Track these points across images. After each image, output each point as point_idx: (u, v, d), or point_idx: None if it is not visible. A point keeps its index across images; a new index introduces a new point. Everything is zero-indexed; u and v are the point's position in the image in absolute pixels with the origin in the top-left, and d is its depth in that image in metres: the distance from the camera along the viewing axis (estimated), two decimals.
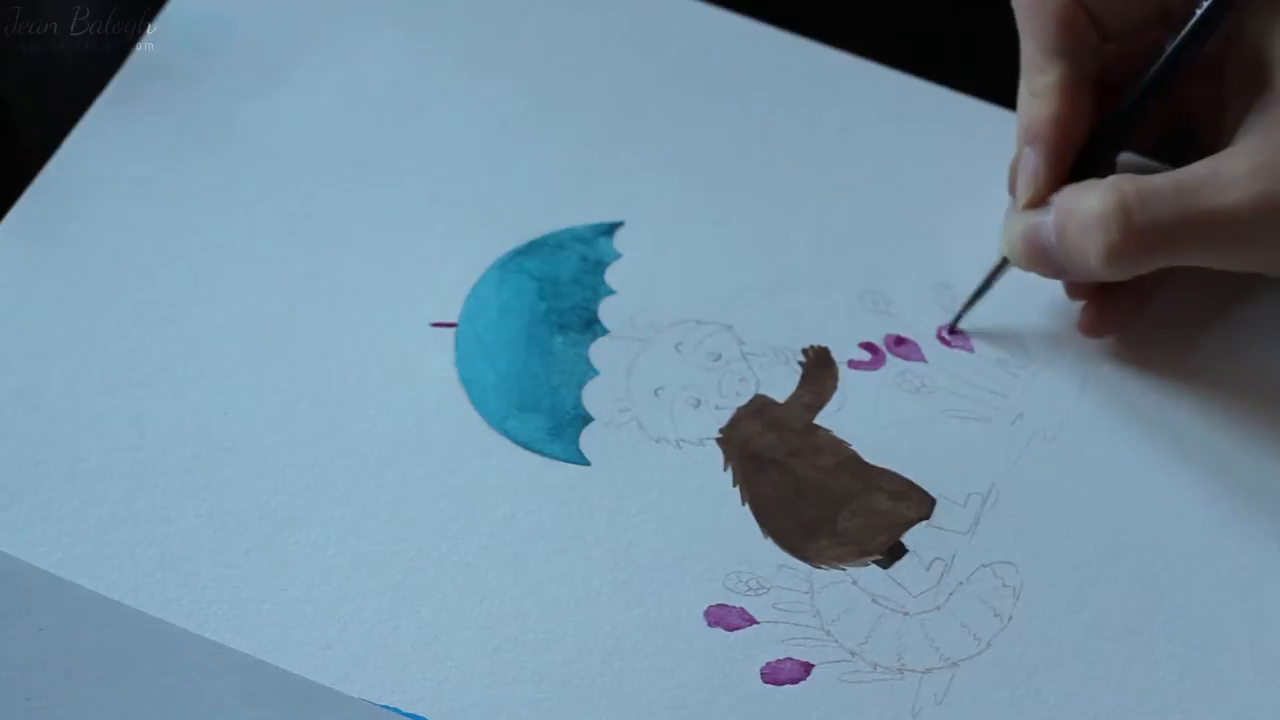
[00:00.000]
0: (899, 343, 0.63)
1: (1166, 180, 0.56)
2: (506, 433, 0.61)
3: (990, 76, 0.67)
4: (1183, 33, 0.58)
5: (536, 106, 0.67)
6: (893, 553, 0.59)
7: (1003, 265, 0.62)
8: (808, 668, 0.57)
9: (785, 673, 0.57)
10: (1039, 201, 0.59)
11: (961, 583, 0.59)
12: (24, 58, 0.68)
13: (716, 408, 0.62)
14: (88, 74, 0.67)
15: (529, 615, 0.58)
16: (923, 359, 0.63)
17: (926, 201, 0.66)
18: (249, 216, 0.65)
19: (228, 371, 0.62)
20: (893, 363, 0.63)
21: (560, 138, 0.67)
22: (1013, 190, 0.61)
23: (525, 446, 0.61)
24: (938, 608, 0.58)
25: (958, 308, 0.63)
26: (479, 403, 0.61)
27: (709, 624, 0.58)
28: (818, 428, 0.61)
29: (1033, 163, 0.59)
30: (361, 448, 0.60)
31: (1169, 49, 0.59)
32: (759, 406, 0.62)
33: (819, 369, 0.63)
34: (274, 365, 0.62)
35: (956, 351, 0.63)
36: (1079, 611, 0.59)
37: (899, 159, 0.67)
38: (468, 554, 0.59)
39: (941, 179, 0.66)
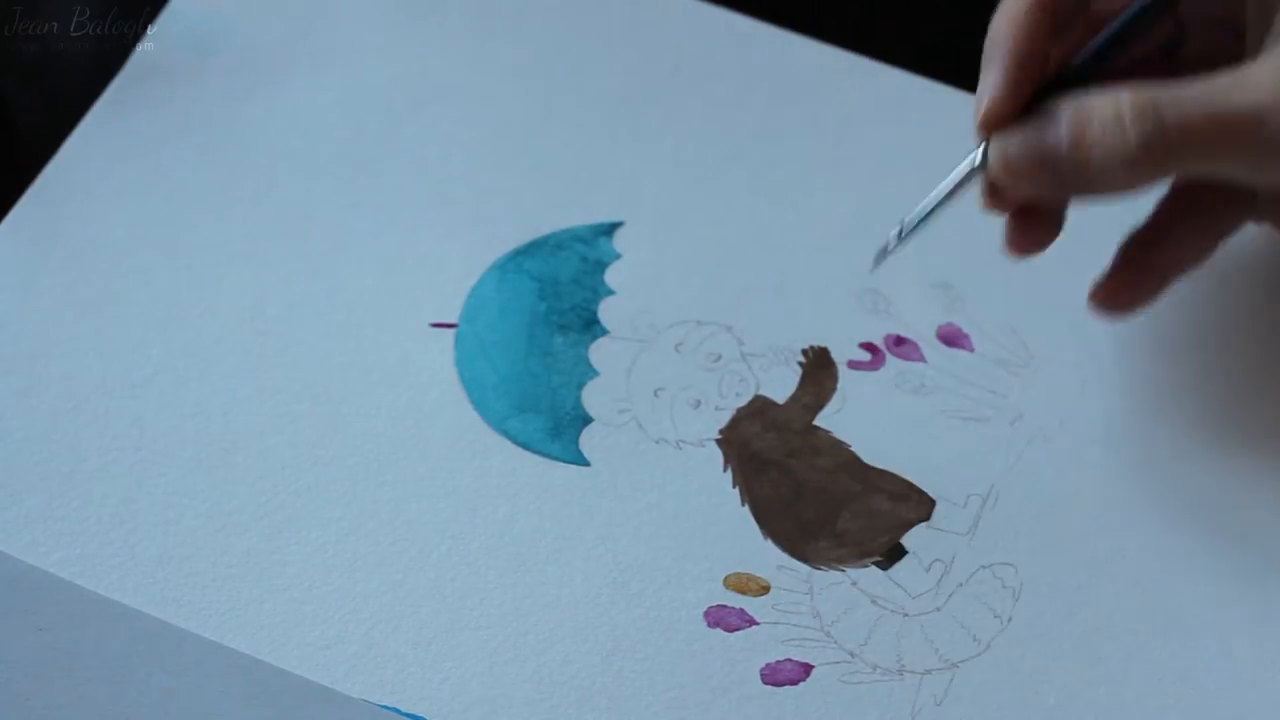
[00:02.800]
0: (899, 343, 0.63)
1: (1192, 83, 0.54)
2: (506, 433, 0.61)
3: None
4: None
5: (537, 106, 0.67)
6: (892, 554, 0.59)
7: (960, 187, 0.56)
8: (807, 668, 0.57)
9: (785, 673, 0.57)
10: (1000, 109, 0.55)
11: (961, 584, 0.59)
12: (24, 58, 0.68)
13: (716, 408, 0.62)
14: (88, 74, 0.67)
15: (529, 615, 0.58)
16: (922, 359, 0.63)
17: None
18: (249, 216, 0.65)
19: (228, 371, 0.62)
20: (893, 363, 0.63)
21: (560, 137, 0.67)
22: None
23: (525, 447, 0.61)
24: (937, 609, 0.58)
25: (958, 307, 0.64)
26: (479, 403, 0.61)
27: (709, 624, 0.58)
28: (817, 429, 0.62)
29: (992, 76, 0.55)
30: (361, 448, 0.60)
31: None
32: (759, 407, 0.62)
33: (819, 369, 0.63)
34: (274, 365, 0.62)
35: (956, 351, 0.63)
36: (1079, 611, 0.59)
37: (899, 158, 0.67)
38: (468, 554, 0.59)
39: (942, 178, 0.66)
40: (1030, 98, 0.55)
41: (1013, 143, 0.55)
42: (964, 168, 0.56)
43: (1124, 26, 0.56)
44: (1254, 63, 0.55)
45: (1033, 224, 0.58)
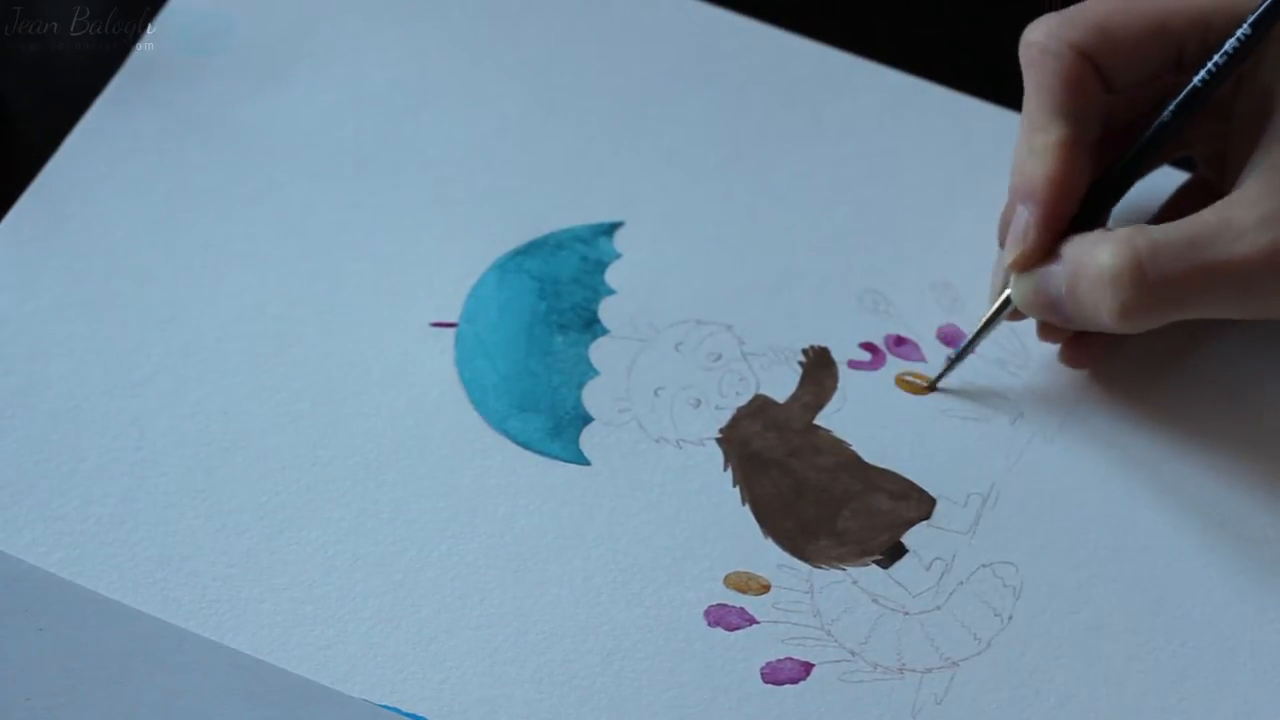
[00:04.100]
0: (899, 343, 0.63)
1: (1176, 233, 0.56)
2: (506, 433, 0.61)
3: (990, 76, 0.67)
4: (1196, 78, 0.58)
5: (537, 106, 0.67)
6: (893, 553, 0.59)
7: (996, 317, 0.61)
8: (808, 667, 0.57)
9: (785, 672, 0.57)
10: (1028, 260, 0.58)
11: (961, 582, 0.59)
12: (24, 58, 0.68)
13: (717, 408, 0.62)
14: (88, 74, 0.67)
15: (529, 615, 0.58)
16: (923, 359, 0.63)
17: (926, 201, 0.66)
18: (249, 216, 0.65)
19: (228, 371, 0.62)
20: (893, 363, 0.63)
21: (560, 137, 0.67)
22: (1004, 243, 0.60)
23: (525, 446, 0.61)
24: (938, 607, 0.58)
25: (958, 307, 0.64)
26: (479, 403, 0.61)
27: (709, 624, 0.58)
28: (818, 428, 0.61)
29: (1024, 221, 0.58)
30: (361, 448, 0.60)
31: (1184, 91, 0.58)
32: (759, 406, 0.62)
33: (819, 369, 0.63)
34: (274, 365, 0.62)
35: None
36: (1079, 611, 0.59)
37: (899, 159, 0.67)
38: (468, 554, 0.59)
39: (941, 179, 0.66)
40: (1059, 236, 0.58)
41: (1026, 286, 0.59)
42: (999, 301, 0.60)
43: (1148, 143, 0.59)
44: (1234, 202, 0.56)
45: (1084, 346, 0.62)
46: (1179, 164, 0.65)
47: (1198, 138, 0.62)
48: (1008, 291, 0.60)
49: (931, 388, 0.62)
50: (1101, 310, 0.56)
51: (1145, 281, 0.56)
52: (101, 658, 0.56)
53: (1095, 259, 0.56)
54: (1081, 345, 0.62)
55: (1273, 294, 0.56)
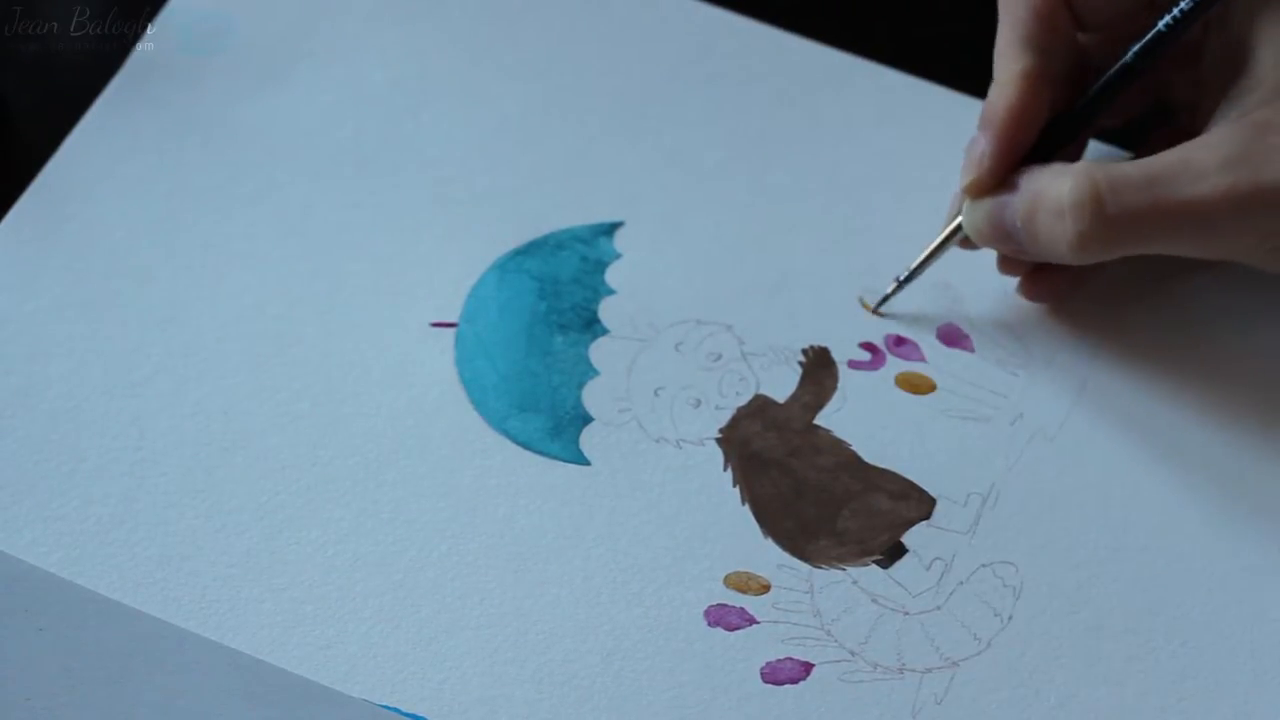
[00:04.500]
0: (899, 343, 0.63)
1: (1138, 169, 0.56)
2: (506, 433, 0.61)
3: (990, 77, 0.67)
4: (1161, 22, 0.58)
5: (536, 106, 0.67)
6: (893, 553, 0.59)
7: (945, 243, 0.62)
8: (808, 667, 0.57)
9: (785, 672, 0.57)
10: (981, 187, 0.59)
11: (962, 582, 0.59)
12: (24, 58, 0.68)
13: (717, 408, 0.62)
14: (88, 74, 0.67)
15: (529, 615, 0.58)
16: (923, 359, 0.63)
17: (926, 201, 0.66)
18: (249, 216, 0.65)
19: (228, 371, 0.62)
20: (893, 363, 0.63)
21: (560, 137, 0.67)
22: None
23: (525, 446, 0.61)
24: (938, 607, 0.58)
25: (958, 307, 0.64)
26: (479, 403, 0.61)
27: (709, 624, 0.58)
28: (818, 428, 0.61)
29: (980, 148, 0.59)
30: (361, 448, 0.60)
31: (1147, 36, 0.58)
32: (759, 406, 0.62)
33: (819, 369, 0.63)
34: (274, 365, 0.62)
35: (956, 351, 0.63)
36: (1079, 611, 0.59)
37: (899, 159, 0.67)
38: (468, 554, 0.59)
39: (941, 179, 0.66)
40: (1014, 166, 0.59)
41: (979, 213, 0.60)
42: (951, 226, 0.61)
43: (1108, 84, 0.60)
44: (1198, 144, 0.57)
45: (1044, 280, 0.62)
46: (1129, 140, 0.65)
47: (1175, 88, 0.63)
48: (959, 218, 0.61)
49: (875, 312, 0.63)
50: (1058, 240, 0.57)
51: (1104, 214, 0.56)
52: (101, 658, 0.56)
53: (1055, 189, 0.57)
54: (1041, 279, 0.62)
55: (1230, 235, 0.57)
